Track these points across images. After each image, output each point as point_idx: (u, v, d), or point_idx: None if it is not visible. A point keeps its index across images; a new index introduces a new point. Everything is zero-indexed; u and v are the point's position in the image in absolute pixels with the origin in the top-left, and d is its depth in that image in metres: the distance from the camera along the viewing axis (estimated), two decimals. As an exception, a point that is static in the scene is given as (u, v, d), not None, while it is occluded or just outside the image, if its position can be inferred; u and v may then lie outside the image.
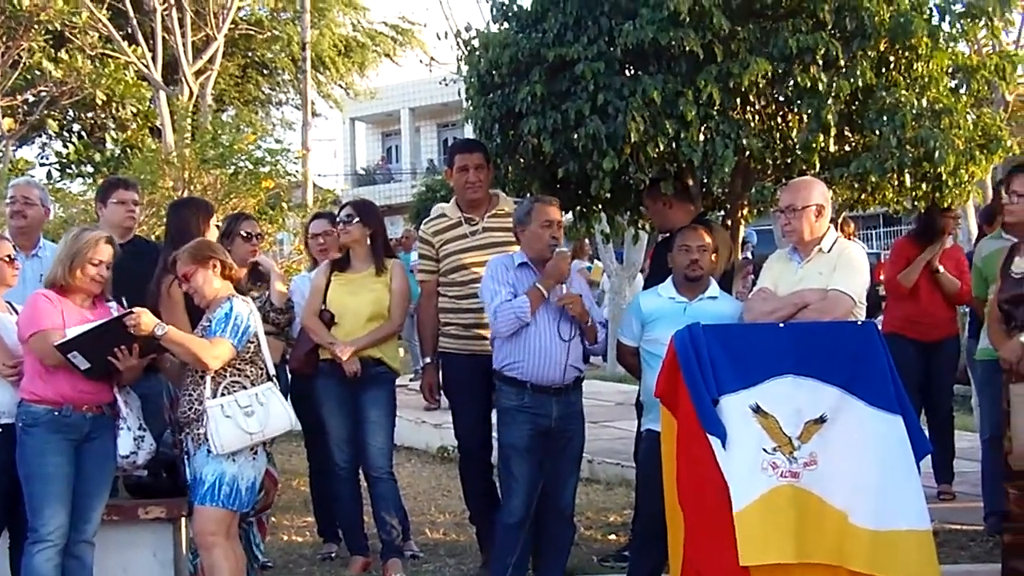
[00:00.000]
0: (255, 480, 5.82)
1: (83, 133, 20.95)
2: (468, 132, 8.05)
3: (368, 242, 6.93)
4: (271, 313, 7.06)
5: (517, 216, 6.27)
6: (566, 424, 6.17)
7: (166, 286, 6.31)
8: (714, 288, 6.19)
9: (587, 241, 15.95)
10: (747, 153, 6.69)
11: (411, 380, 12.99)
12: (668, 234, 6.86)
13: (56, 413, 5.61)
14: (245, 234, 6.97)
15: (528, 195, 6.93)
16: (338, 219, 7.11)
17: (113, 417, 5.81)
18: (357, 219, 6.90)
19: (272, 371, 5.92)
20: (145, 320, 5.59)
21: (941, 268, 8.09)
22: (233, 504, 5.72)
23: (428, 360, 7.02)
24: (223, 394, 5.69)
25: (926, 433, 6.17)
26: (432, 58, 25.01)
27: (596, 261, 17.58)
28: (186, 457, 5.91)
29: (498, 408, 6.24)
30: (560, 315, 6.08)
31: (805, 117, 6.61)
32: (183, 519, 6.28)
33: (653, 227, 7.62)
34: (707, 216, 7.22)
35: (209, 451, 5.66)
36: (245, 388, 5.75)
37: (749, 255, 12.82)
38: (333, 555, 7.34)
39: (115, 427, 5.81)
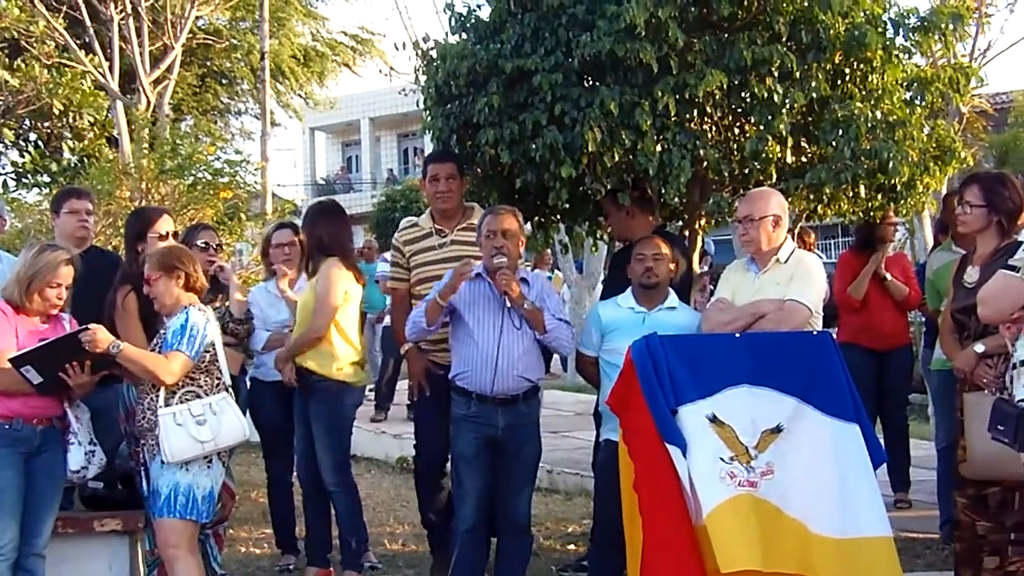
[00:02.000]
0: (211, 490, 5.77)
1: (39, 143, 20.73)
2: (428, 142, 8.05)
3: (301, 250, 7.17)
4: (230, 324, 7.03)
5: (477, 226, 6.31)
6: (514, 435, 6.16)
7: (121, 297, 6.27)
8: (673, 299, 6.23)
9: (548, 252, 15.99)
10: (704, 164, 6.73)
11: (369, 390, 12.99)
12: (626, 244, 6.91)
13: (7, 427, 5.55)
14: (202, 244, 6.94)
15: (487, 206, 6.95)
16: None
17: (63, 430, 5.77)
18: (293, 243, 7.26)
19: (228, 381, 5.87)
20: (100, 337, 5.55)
21: (888, 276, 8.17)
22: (190, 514, 5.67)
23: (409, 345, 6.74)
24: (177, 403, 5.66)
25: (881, 442, 6.23)
26: (392, 68, 24.84)
27: (556, 271, 17.62)
28: (143, 469, 5.88)
29: (452, 417, 6.26)
30: (503, 324, 6.08)
31: (761, 128, 6.66)
32: (139, 531, 6.22)
33: (612, 237, 7.64)
34: (665, 227, 7.25)
35: (163, 461, 5.64)
36: (200, 397, 5.71)
37: (707, 267, 12.88)
38: (291, 567, 7.31)
39: (65, 440, 5.77)
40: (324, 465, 6.76)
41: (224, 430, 5.71)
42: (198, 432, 5.63)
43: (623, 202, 6.77)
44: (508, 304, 6.06)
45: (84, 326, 5.62)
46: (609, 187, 6.77)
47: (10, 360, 5.50)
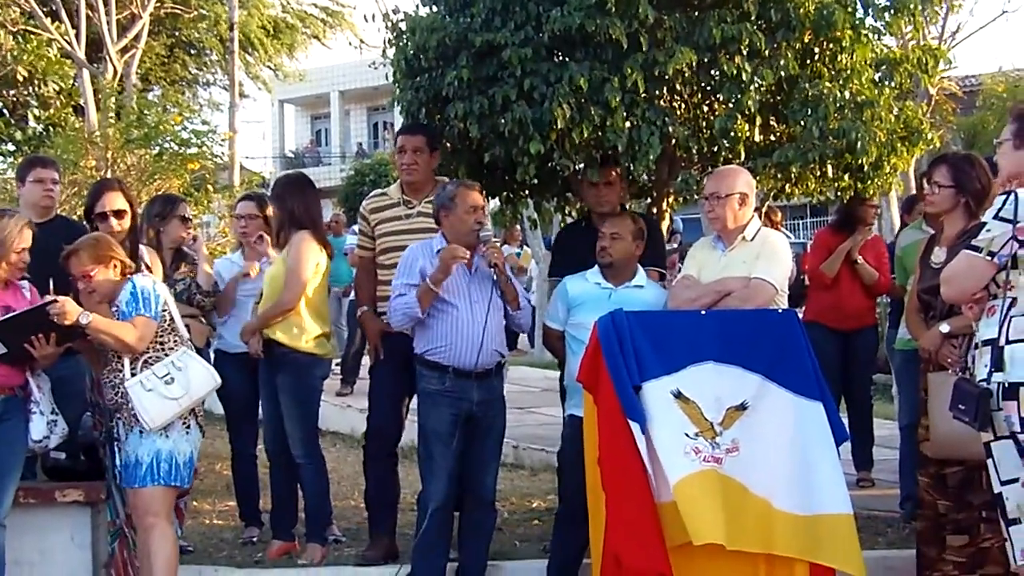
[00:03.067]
0: (192, 454, 5.77)
1: (4, 111, 20.54)
2: (398, 116, 8.02)
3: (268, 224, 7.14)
4: (197, 295, 7.02)
5: (440, 200, 6.20)
6: (487, 409, 6.17)
7: None
8: (641, 277, 6.24)
9: (517, 227, 15.99)
10: (672, 141, 6.73)
11: (336, 364, 12.96)
12: (587, 217, 6.94)
13: None
14: (183, 217, 6.99)
15: (454, 180, 6.92)
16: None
17: (24, 399, 5.73)
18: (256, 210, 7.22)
19: (185, 335, 5.86)
20: (69, 309, 5.50)
21: (860, 259, 8.19)
22: (174, 480, 5.67)
23: (365, 308, 6.80)
24: (141, 369, 5.63)
25: (845, 421, 6.26)
26: (362, 41, 24.81)
27: (525, 247, 17.62)
28: (117, 444, 5.84)
29: (420, 392, 6.22)
30: (487, 298, 6.07)
31: (730, 106, 6.66)
32: (101, 502, 6.19)
33: (580, 213, 7.64)
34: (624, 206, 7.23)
35: (142, 431, 5.61)
36: (163, 357, 5.69)
37: (675, 245, 12.92)
38: (255, 539, 7.29)
39: (26, 410, 5.73)
40: (293, 438, 6.74)
41: (194, 382, 5.70)
42: (169, 391, 5.61)
43: (592, 177, 6.75)
44: (495, 277, 6.05)
45: (52, 298, 5.58)
46: (579, 163, 6.76)
47: None
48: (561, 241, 7.39)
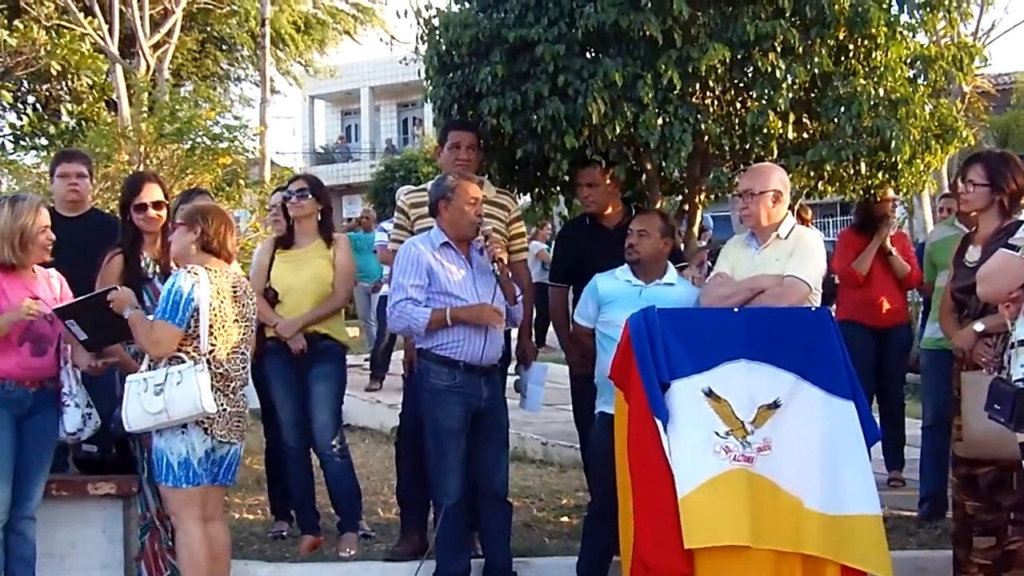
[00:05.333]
0: (187, 456, 5.55)
1: (38, 105, 20.66)
2: (428, 112, 8.03)
3: (319, 217, 6.97)
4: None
5: (439, 192, 6.15)
6: (494, 405, 6.18)
7: (108, 257, 6.27)
8: (671, 274, 6.22)
9: (548, 223, 15.97)
10: (705, 138, 6.71)
11: (365, 360, 12.98)
12: (580, 217, 7.05)
13: None
14: None
15: (487, 176, 6.92)
16: (288, 192, 7.07)
17: (55, 392, 5.75)
18: (310, 194, 6.92)
19: (205, 349, 5.57)
20: (121, 298, 5.58)
21: (893, 251, 8.14)
22: (167, 480, 5.58)
23: None
24: (152, 368, 5.56)
25: (877, 420, 6.23)
26: (393, 37, 24.84)
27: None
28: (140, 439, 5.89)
29: (427, 389, 6.12)
30: (491, 291, 6.05)
31: (763, 102, 6.63)
32: (133, 495, 6.22)
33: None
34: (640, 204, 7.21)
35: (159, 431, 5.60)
36: (169, 365, 5.53)
37: (705, 242, 12.87)
38: (285, 534, 7.30)
39: (57, 403, 5.77)
40: (329, 431, 6.79)
41: (175, 404, 5.45)
42: (150, 403, 5.47)
43: (618, 175, 6.75)
44: (496, 271, 6.04)
45: (113, 286, 5.71)
46: (610, 159, 6.75)
47: (55, 311, 5.64)
48: (564, 236, 7.40)
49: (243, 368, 5.75)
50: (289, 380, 6.87)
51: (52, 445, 5.83)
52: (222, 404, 5.57)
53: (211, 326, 5.57)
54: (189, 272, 5.57)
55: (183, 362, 5.51)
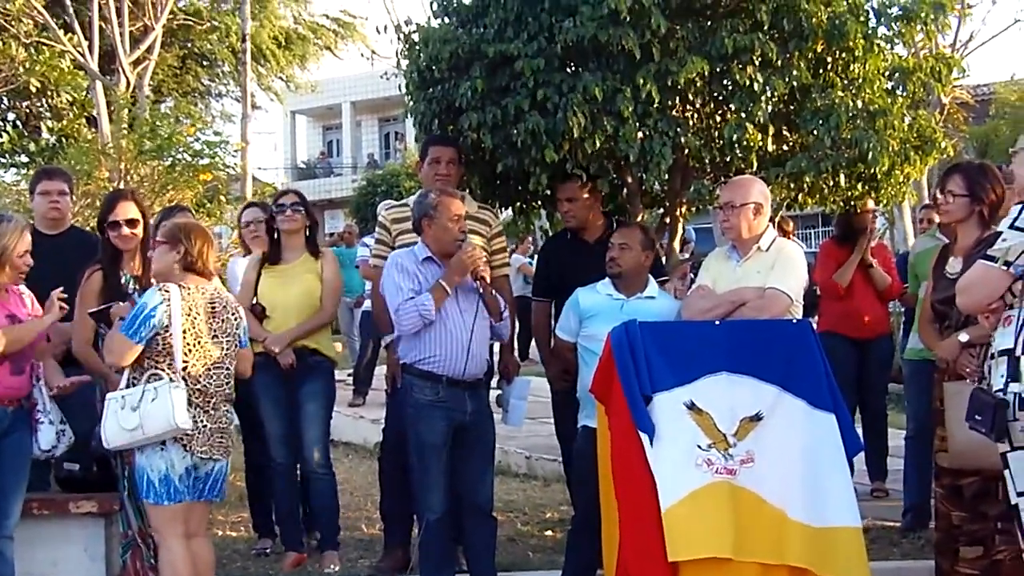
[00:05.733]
0: (167, 473, 5.49)
1: (18, 122, 20.64)
2: (409, 127, 8.05)
3: (306, 232, 7.01)
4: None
5: (422, 209, 6.11)
6: (479, 420, 6.13)
7: (87, 274, 6.25)
8: (652, 288, 6.22)
9: (529, 237, 16.00)
10: (685, 151, 6.74)
11: (348, 375, 12.96)
12: (562, 232, 7.07)
13: None
14: None
15: (468, 191, 6.92)
16: (279, 204, 7.06)
17: (30, 410, 5.74)
18: (302, 208, 6.97)
19: (179, 366, 5.48)
20: (119, 312, 5.62)
21: (874, 263, 8.17)
22: (149, 498, 5.52)
23: (390, 339, 6.70)
24: (131, 386, 5.51)
25: (859, 431, 6.24)
26: (373, 52, 24.88)
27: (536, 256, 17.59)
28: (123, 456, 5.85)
29: (410, 404, 6.07)
30: (474, 307, 6.04)
31: (742, 115, 6.66)
32: (114, 513, 6.18)
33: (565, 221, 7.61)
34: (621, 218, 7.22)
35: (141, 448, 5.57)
36: (148, 382, 5.47)
37: (687, 255, 12.89)
38: (268, 551, 7.29)
39: (31, 421, 5.74)
40: (316, 447, 6.82)
41: (151, 421, 5.39)
42: (127, 420, 5.41)
43: (601, 188, 6.77)
44: (478, 287, 6.03)
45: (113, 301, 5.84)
46: (591, 173, 6.76)
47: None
48: (546, 251, 7.41)
49: (226, 384, 5.68)
50: (278, 395, 6.86)
51: (28, 464, 5.79)
52: (202, 420, 5.51)
53: (185, 343, 5.51)
54: (160, 290, 5.51)
55: (160, 379, 5.46)
